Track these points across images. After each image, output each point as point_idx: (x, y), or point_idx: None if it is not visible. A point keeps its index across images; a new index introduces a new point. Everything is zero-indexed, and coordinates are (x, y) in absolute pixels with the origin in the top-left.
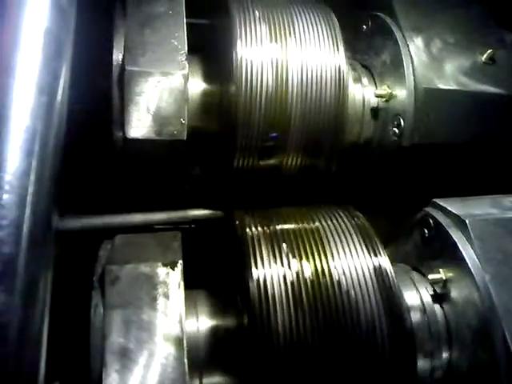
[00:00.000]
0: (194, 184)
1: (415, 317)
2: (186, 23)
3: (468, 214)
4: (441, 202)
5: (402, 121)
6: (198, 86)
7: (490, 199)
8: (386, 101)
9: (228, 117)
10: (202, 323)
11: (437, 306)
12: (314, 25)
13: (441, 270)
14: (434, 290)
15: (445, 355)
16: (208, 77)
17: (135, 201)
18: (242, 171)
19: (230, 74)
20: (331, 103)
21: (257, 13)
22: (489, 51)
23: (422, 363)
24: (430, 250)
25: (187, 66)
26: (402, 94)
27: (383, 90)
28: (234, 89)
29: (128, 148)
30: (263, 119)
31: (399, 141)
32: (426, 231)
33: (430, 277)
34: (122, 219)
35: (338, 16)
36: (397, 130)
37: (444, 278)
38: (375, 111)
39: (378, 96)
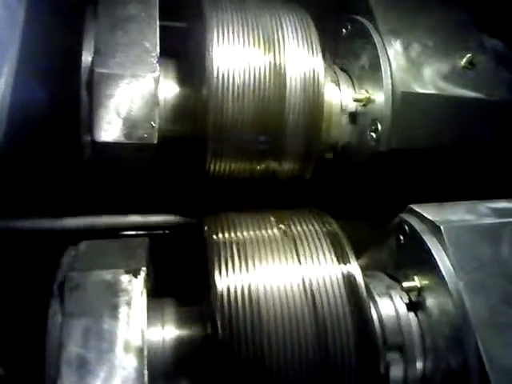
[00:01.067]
0: (167, 189)
1: (388, 326)
2: (161, 26)
3: (443, 220)
4: (416, 207)
5: (379, 125)
6: (171, 89)
7: (466, 205)
8: (364, 105)
9: (201, 120)
10: (168, 332)
11: (411, 315)
12: (290, 28)
13: (415, 277)
14: (410, 298)
15: (419, 365)
16: (182, 80)
17: (105, 205)
18: (215, 176)
19: (202, 78)
20: (306, 107)
21: (231, 16)
22: (468, 55)
23: (396, 373)
24: (405, 256)
25: (158, 68)
26: (379, 98)
27: (361, 94)
28: (206, 92)
29: (97, 152)
30: (235, 123)
31: (377, 146)
32: (402, 237)
33: (405, 284)
34: (90, 221)
35: (319, 19)
36: (374, 135)
37: (419, 285)
38: (353, 116)
39: (355, 100)
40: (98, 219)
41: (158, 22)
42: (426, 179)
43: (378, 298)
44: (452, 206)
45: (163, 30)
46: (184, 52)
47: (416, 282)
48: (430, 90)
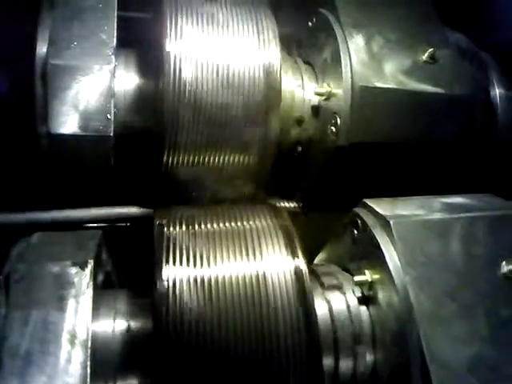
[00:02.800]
0: (126, 181)
1: (339, 318)
2: (120, 16)
3: (394, 214)
4: (370, 202)
5: (338, 119)
6: (130, 80)
7: (420, 200)
8: (326, 99)
9: (158, 112)
10: (119, 324)
11: (363, 309)
12: (247, 21)
13: (367, 271)
14: (362, 292)
15: (369, 358)
16: (141, 71)
17: (63, 199)
18: (173, 168)
19: (159, 69)
20: (261, 100)
21: (189, 8)
22: (430, 50)
23: (345, 365)
24: (358, 250)
25: (114, 60)
26: (340, 92)
27: (323, 88)
28: (162, 84)
29: (53, 144)
30: (192, 116)
31: (336, 140)
32: (356, 232)
33: (356, 278)
34: (47, 215)
35: (285, 12)
36: (334, 129)
37: (369, 279)
38: (316, 109)
39: (317, 94)
40: (58, 213)
41: (115, 14)
42: (388, 174)
43: (329, 292)
44: (405, 201)
45: (124, 20)
46: (144, 43)
47: (367, 276)
48: (390, 85)
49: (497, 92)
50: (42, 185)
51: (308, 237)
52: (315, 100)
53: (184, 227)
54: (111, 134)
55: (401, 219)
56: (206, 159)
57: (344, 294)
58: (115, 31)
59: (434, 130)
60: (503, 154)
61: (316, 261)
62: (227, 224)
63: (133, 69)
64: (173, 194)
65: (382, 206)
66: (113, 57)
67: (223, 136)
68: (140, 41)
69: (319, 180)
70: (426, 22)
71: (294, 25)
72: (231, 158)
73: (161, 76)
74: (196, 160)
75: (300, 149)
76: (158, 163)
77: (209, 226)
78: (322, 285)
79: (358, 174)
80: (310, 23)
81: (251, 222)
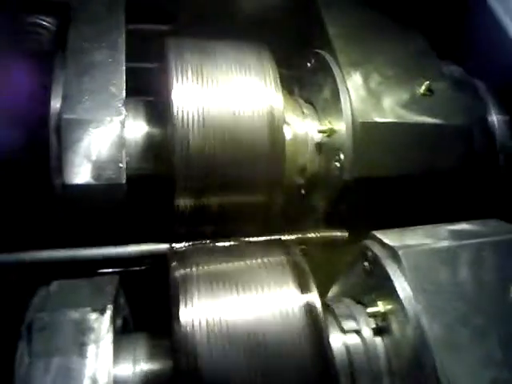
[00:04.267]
0: (140, 225)
1: (355, 352)
2: (129, 68)
3: (402, 245)
4: (378, 233)
5: (341, 155)
6: (140, 128)
7: (427, 228)
8: (328, 136)
9: (167, 158)
10: (139, 367)
11: (378, 340)
12: (248, 66)
13: (379, 302)
14: (376, 323)
15: None
16: (150, 119)
17: (78, 243)
18: (185, 211)
19: (166, 117)
20: (266, 142)
21: (192, 57)
22: (426, 83)
23: None
24: (370, 282)
25: (124, 112)
26: (341, 129)
27: (324, 125)
28: (171, 130)
29: (68, 194)
30: (201, 160)
31: (341, 175)
32: (366, 264)
33: (369, 310)
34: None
35: (286, 54)
36: (338, 164)
37: (382, 310)
38: (319, 146)
39: (320, 132)
40: (77, 251)
41: (124, 67)
42: (394, 205)
43: (344, 326)
44: (412, 231)
45: (133, 71)
46: (152, 91)
47: (380, 307)
48: (390, 119)
49: (494, 118)
50: (57, 231)
51: (319, 270)
52: (318, 137)
53: (199, 267)
54: (124, 182)
55: (409, 249)
56: (215, 201)
57: (359, 326)
58: (124, 84)
59: (435, 161)
60: (505, 177)
61: (329, 294)
62: (240, 261)
63: (142, 118)
64: (186, 235)
65: (390, 237)
66: (123, 108)
67: (230, 179)
68: (148, 90)
69: (327, 214)
70: (421, 56)
71: (294, 65)
72: (239, 200)
73: (168, 124)
74: (206, 202)
75: (303, 183)
76: (170, 206)
77: (223, 264)
78: (336, 319)
79: (363, 207)
80: (308, 64)
81: (265, 260)
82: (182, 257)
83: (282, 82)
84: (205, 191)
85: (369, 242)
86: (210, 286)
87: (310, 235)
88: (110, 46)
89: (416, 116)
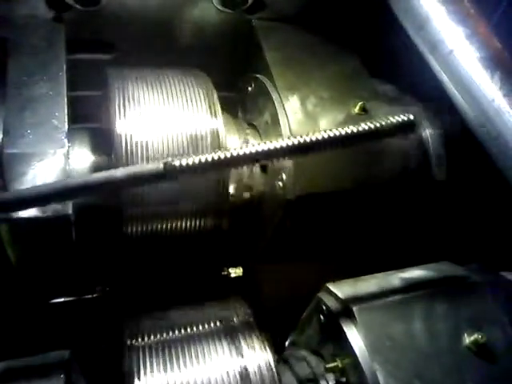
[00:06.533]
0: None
1: None
2: (71, 97)
3: (356, 300)
4: (332, 286)
5: (283, 175)
6: (84, 158)
7: (379, 278)
8: None
9: None
10: None
11: None
12: (190, 91)
13: (337, 358)
14: (336, 379)
15: None
16: (95, 147)
17: (29, 277)
18: (133, 240)
19: (111, 145)
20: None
21: (134, 83)
22: (360, 103)
23: None
24: (327, 336)
25: (67, 144)
26: None
27: None
28: (114, 159)
29: (14, 229)
30: (146, 188)
31: (284, 194)
32: (322, 318)
33: (328, 365)
34: None
35: (230, 79)
36: (281, 184)
37: (340, 365)
38: (264, 168)
39: None
40: None
41: (65, 99)
42: (337, 220)
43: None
44: (365, 282)
45: (77, 99)
46: (95, 119)
47: (337, 362)
48: None
49: (427, 132)
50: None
51: (275, 288)
52: None
53: (152, 337)
54: (70, 212)
55: (363, 305)
56: (162, 228)
57: (317, 381)
58: (66, 116)
59: (371, 175)
60: (438, 188)
61: (287, 342)
62: (188, 329)
63: (87, 147)
64: (134, 264)
65: (343, 291)
66: (65, 140)
67: (176, 205)
68: (94, 116)
69: (275, 233)
70: (355, 76)
71: (237, 89)
72: (186, 225)
73: (112, 151)
74: (153, 229)
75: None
76: (118, 236)
77: (177, 332)
78: (296, 376)
79: (309, 223)
80: (249, 88)
81: (211, 325)
82: (136, 326)
83: (226, 105)
84: (151, 218)
85: (323, 295)
86: (165, 354)
87: None
88: (50, 79)
89: None
